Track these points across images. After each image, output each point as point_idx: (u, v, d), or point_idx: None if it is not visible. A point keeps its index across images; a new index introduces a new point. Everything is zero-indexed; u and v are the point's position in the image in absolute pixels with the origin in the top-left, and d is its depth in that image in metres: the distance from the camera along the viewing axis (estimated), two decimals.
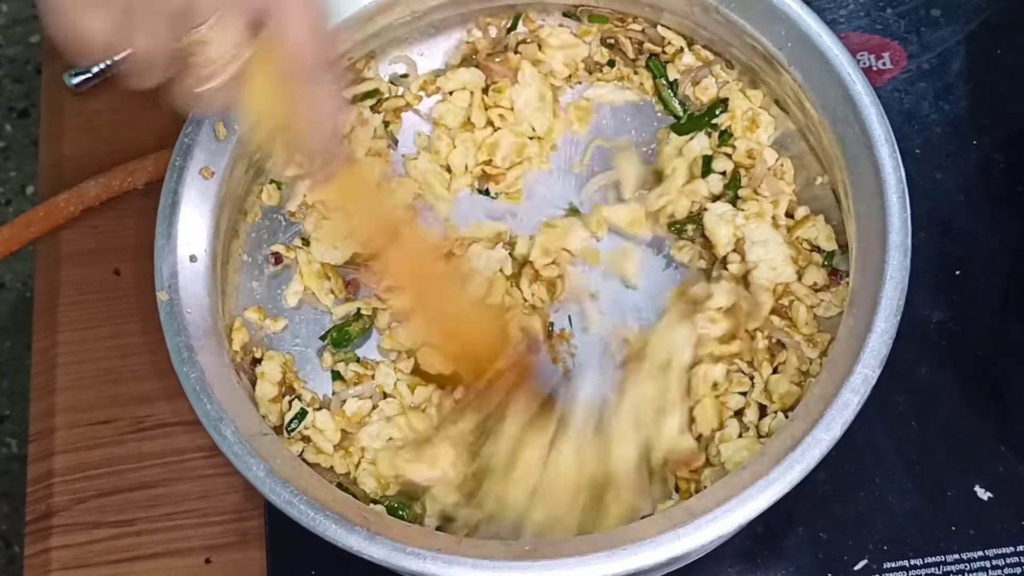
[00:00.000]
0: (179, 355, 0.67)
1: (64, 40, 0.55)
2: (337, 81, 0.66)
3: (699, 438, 0.71)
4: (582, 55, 0.82)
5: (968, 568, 0.72)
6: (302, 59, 0.58)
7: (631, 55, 0.81)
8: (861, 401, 0.62)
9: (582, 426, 0.70)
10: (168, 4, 0.55)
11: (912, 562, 0.72)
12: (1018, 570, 0.72)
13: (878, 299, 0.64)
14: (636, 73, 0.81)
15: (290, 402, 0.73)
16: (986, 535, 0.73)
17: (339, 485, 0.69)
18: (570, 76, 0.82)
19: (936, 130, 0.83)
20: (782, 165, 0.76)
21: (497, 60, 0.81)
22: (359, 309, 0.76)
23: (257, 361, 0.74)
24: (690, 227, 0.77)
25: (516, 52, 0.81)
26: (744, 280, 0.73)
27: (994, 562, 0.72)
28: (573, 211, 0.79)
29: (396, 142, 0.81)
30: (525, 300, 0.76)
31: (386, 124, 0.81)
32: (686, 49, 0.80)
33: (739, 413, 0.71)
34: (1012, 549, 0.72)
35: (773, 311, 0.73)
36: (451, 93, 0.81)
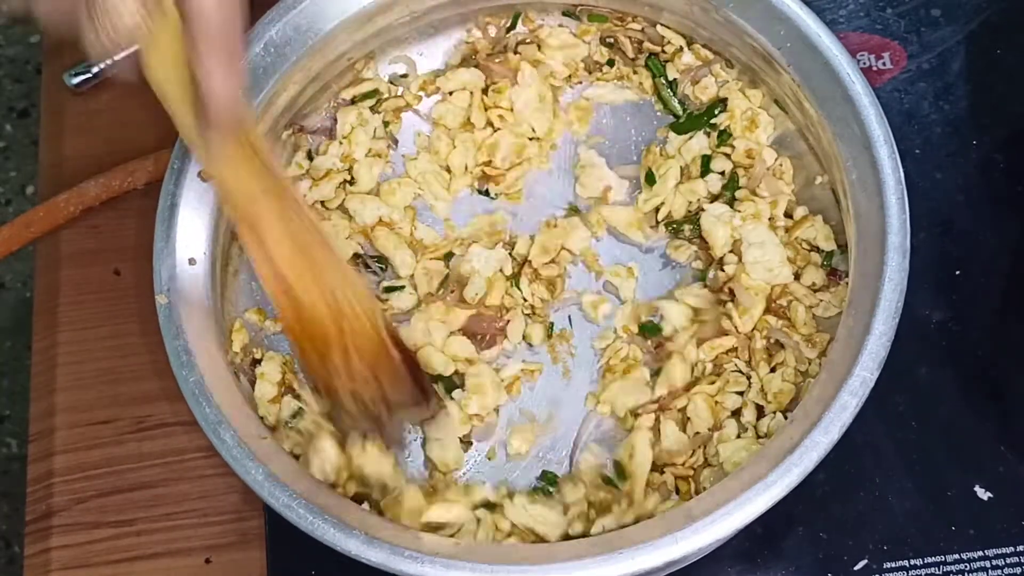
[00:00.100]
0: (178, 359, 0.67)
1: None
2: (244, 52, 0.64)
3: (696, 435, 0.71)
4: (582, 55, 0.82)
5: (968, 568, 0.72)
6: (207, 25, 0.56)
7: (631, 54, 0.81)
8: (859, 404, 0.62)
9: None
10: None
11: (912, 562, 0.72)
12: (1018, 570, 0.72)
13: (877, 301, 0.64)
14: (636, 72, 0.81)
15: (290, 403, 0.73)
16: (986, 535, 0.73)
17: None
18: (570, 76, 0.82)
19: (936, 130, 0.83)
20: (781, 165, 0.76)
21: (497, 60, 0.81)
22: None
23: (257, 362, 0.73)
24: (687, 227, 0.77)
25: (516, 52, 0.81)
26: (733, 281, 0.73)
27: (994, 562, 0.72)
28: (573, 211, 0.79)
29: (396, 142, 0.81)
30: (525, 300, 0.76)
31: (386, 124, 0.81)
32: (685, 48, 0.80)
33: (736, 413, 0.71)
34: (1012, 549, 0.72)
35: (771, 311, 0.73)
36: (451, 93, 0.81)
